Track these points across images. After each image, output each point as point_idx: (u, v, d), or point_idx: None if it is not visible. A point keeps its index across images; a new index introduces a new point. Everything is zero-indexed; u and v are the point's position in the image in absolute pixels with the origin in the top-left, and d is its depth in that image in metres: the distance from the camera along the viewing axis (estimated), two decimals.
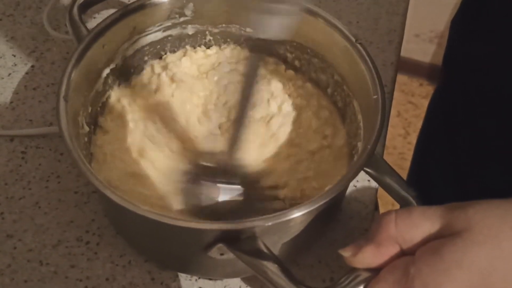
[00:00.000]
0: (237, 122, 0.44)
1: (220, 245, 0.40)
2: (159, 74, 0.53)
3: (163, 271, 0.47)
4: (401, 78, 1.49)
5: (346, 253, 0.36)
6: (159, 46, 0.54)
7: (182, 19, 0.53)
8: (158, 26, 0.52)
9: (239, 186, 0.46)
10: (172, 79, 0.53)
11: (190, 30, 0.54)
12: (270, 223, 0.39)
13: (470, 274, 0.32)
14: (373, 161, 0.43)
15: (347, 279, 0.36)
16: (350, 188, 0.52)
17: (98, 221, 0.49)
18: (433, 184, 0.65)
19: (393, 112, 1.44)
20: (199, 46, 0.55)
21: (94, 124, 0.50)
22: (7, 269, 0.47)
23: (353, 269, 0.36)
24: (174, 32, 0.54)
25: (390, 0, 0.67)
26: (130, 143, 0.49)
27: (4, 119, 0.56)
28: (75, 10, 0.50)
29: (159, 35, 0.53)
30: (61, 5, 0.65)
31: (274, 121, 0.51)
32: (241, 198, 0.46)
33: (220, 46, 0.56)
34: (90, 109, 0.49)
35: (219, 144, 0.48)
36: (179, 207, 0.46)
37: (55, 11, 0.64)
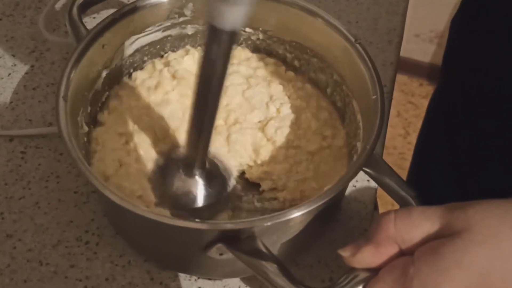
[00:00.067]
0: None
1: (219, 245, 0.40)
2: (160, 70, 0.53)
3: (163, 271, 0.47)
4: (401, 78, 1.49)
5: (345, 253, 0.36)
6: (158, 46, 0.54)
7: (181, 19, 0.53)
8: (158, 26, 0.52)
9: (198, 178, 0.46)
10: (174, 76, 0.53)
11: (189, 30, 0.54)
12: (269, 223, 0.39)
13: (469, 274, 0.32)
14: (372, 161, 0.43)
15: (346, 279, 0.36)
16: (350, 188, 0.52)
17: (98, 221, 0.50)
18: (433, 184, 0.65)
19: (393, 112, 1.44)
20: (200, 46, 0.55)
21: (94, 124, 0.50)
22: (7, 269, 0.47)
23: (352, 269, 0.37)
24: (173, 32, 0.54)
25: (390, 0, 0.67)
26: (122, 131, 0.49)
27: (3, 119, 0.56)
28: (74, 10, 0.50)
29: (158, 35, 0.53)
30: (60, 5, 0.65)
31: (272, 124, 0.51)
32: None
33: None
34: (89, 109, 0.49)
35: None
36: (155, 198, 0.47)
37: (54, 12, 0.64)
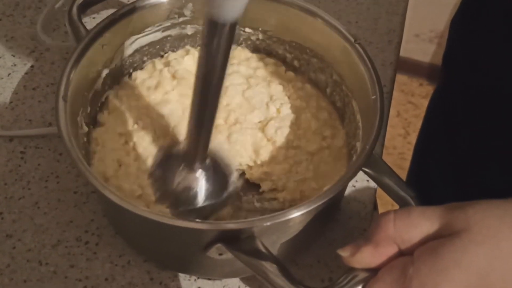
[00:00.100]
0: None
1: (218, 245, 0.40)
2: (160, 70, 0.53)
3: (162, 271, 0.47)
4: (401, 78, 1.49)
5: (344, 253, 0.36)
6: (158, 46, 0.54)
7: (181, 19, 0.53)
8: (157, 26, 0.52)
9: (202, 173, 0.46)
10: (174, 76, 0.53)
11: (189, 30, 0.54)
12: (268, 223, 0.39)
13: (469, 274, 0.32)
14: (372, 161, 0.43)
15: (346, 279, 0.36)
16: (349, 188, 0.52)
17: (97, 221, 0.50)
18: (432, 184, 0.65)
19: (393, 112, 1.44)
20: (199, 46, 0.55)
21: (94, 124, 0.50)
22: (7, 269, 0.47)
23: (352, 269, 0.36)
24: (173, 32, 0.54)
25: (390, 0, 0.67)
26: (121, 131, 0.49)
27: (3, 119, 0.56)
28: (74, 10, 0.50)
29: (158, 35, 0.53)
30: (59, 5, 0.65)
31: (272, 124, 0.51)
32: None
33: None
34: (89, 109, 0.49)
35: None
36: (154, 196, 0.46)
37: (54, 12, 0.64)
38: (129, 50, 0.52)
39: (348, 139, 0.50)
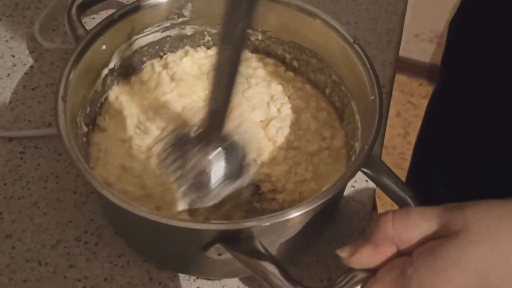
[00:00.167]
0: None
1: (218, 245, 0.40)
2: (159, 73, 0.53)
3: (162, 271, 0.47)
4: (400, 78, 1.49)
5: (343, 253, 0.36)
6: (157, 47, 0.54)
7: (180, 19, 0.53)
8: (157, 26, 0.53)
9: (221, 151, 0.45)
10: (172, 78, 0.53)
11: (188, 30, 0.54)
12: (267, 223, 0.39)
13: (467, 274, 0.33)
14: (371, 162, 0.43)
15: (345, 279, 0.36)
16: (348, 188, 0.52)
17: (97, 221, 0.50)
18: (432, 184, 0.65)
19: (392, 112, 1.44)
20: (198, 46, 0.56)
21: (93, 124, 0.50)
22: (6, 269, 0.47)
23: (351, 269, 0.37)
24: (172, 32, 0.54)
25: (389, 0, 0.68)
26: (125, 137, 0.49)
27: (3, 119, 0.56)
28: (73, 10, 0.51)
29: (157, 35, 0.53)
30: (59, 5, 0.65)
31: (273, 124, 0.51)
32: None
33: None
34: (88, 109, 0.49)
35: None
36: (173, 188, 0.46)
37: (54, 12, 0.64)
38: (128, 50, 0.52)
39: (347, 139, 0.50)
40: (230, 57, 0.40)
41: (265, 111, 0.52)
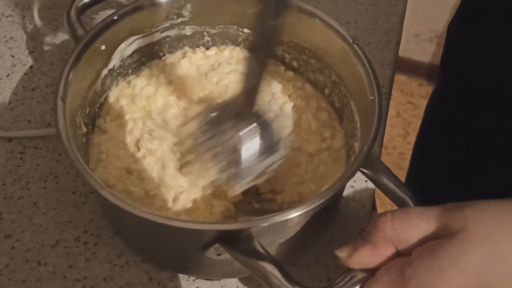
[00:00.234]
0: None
1: (217, 245, 0.40)
2: (157, 76, 0.53)
3: (161, 271, 0.47)
4: (400, 78, 1.49)
5: (342, 253, 0.36)
6: (157, 47, 0.54)
7: (180, 20, 0.53)
8: (156, 27, 0.53)
9: (257, 126, 0.45)
10: (171, 81, 0.53)
11: (188, 31, 0.54)
12: (266, 224, 0.39)
13: (466, 274, 0.33)
14: (370, 162, 0.43)
15: (344, 280, 0.36)
16: (348, 188, 0.52)
17: (96, 221, 0.50)
18: (432, 184, 0.65)
19: (392, 112, 1.44)
20: (198, 47, 0.56)
21: (92, 125, 0.50)
22: (5, 269, 0.47)
23: (349, 270, 0.37)
24: (172, 33, 0.54)
25: (388, 0, 0.68)
26: (129, 141, 0.49)
27: (2, 119, 0.56)
28: (73, 11, 0.51)
29: (157, 36, 0.53)
30: (59, 4, 0.65)
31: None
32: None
33: (219, 47, 0.56)
34: (88, 109, 0.49)
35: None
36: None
37: (54, 12, 0.64)
38: (127, 50, 0.52)
39: (346, 139, 0.50)
40: (264, 47, 0.42)
41: (267, 109, 0.51)
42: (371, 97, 0.45)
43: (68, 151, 0.42)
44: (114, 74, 0.52)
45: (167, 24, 0.53)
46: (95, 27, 0.49)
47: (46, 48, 0.62)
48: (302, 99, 0.53)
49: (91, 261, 0.48)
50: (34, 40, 0.62)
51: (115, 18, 0.49)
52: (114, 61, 0.51)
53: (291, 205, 0.47)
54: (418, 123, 0.71)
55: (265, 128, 0.46)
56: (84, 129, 0.48)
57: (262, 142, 0.45)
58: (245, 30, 0.54)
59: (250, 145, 0.45)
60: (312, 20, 0.50)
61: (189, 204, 0.47)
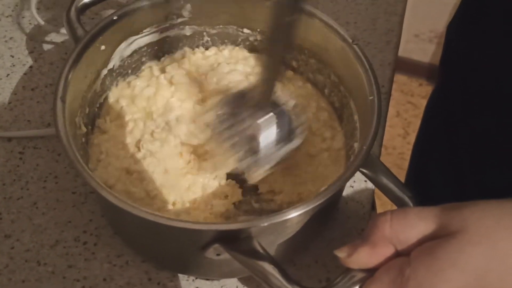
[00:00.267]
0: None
1: (216, 245, 0.40)
2: (157, 77, 0.53)
3: (161, 271, 0.47)
4: (400, 78, 1.49)
5: (341, 253, 0.36)
6: (156, 47, 0.54)
7: (179, 20, 0.53)
8: (156, 27, 0.53)
9: (273, 115, 0.46)
10: (171, 82, 0.53)
11: (187, 31, 0.54)
12: (266, 224, 0.39)
13: (465, 274, 0.33)
14: (369, 162, 0.43)
15: (343, 279, 0.36)
16: (347, 188, 0.52)
17: (96, 221, 0.50)
18: (432, 184, 0.65)
19: (392, 112, 1.44)
20: (197, 47, 0.56)
21: (92, 125, 0.50)
22: (5, 269, 0.47)
23: (349, 270, 0.37)
24: (171, 33, 0.54)
25: (388, 1, 0.68)
26: (129, 141, 0.49)
27: (2, 119, 0.56)
28: (72, 11, 0.50)
29: (156, 36, 0.53)
30: (59, 3, 0.65)
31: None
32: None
33: (218, 47, 0.56)
34: (87, 110, 0.49)
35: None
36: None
37: (54, 11, 0.64)
38: (127, 51, 0.52)
39: (346, 139, 0.50)
40: (282, 40, 0.42)
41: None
42: (371, 97, 0.45)
43: (68, 151, 0.42)
44: (114, 74, 0.52)
45: (167, 24, 0.53)
46: (95, 27, 0.49)
47: (45, 48, 0.62)
48: (303, 98, 0.53)
49: (90, 261, 0.48)
50: (33, 40, 0.62)
51: (115, 18, 0.49)
52: (114, 61, 0.51)
53: (290, 206, 0.47)
54: (418, 123, 0.71)
55: (282, 117, 0.46)
56: (84, 129, 0.48)
57: (279, 131, 0.46)
58: (245, 30, 0.54)
59: (268, 134, 0.46)
60: (312, 20, 0.50)
61: (189, 204, 0.47)
